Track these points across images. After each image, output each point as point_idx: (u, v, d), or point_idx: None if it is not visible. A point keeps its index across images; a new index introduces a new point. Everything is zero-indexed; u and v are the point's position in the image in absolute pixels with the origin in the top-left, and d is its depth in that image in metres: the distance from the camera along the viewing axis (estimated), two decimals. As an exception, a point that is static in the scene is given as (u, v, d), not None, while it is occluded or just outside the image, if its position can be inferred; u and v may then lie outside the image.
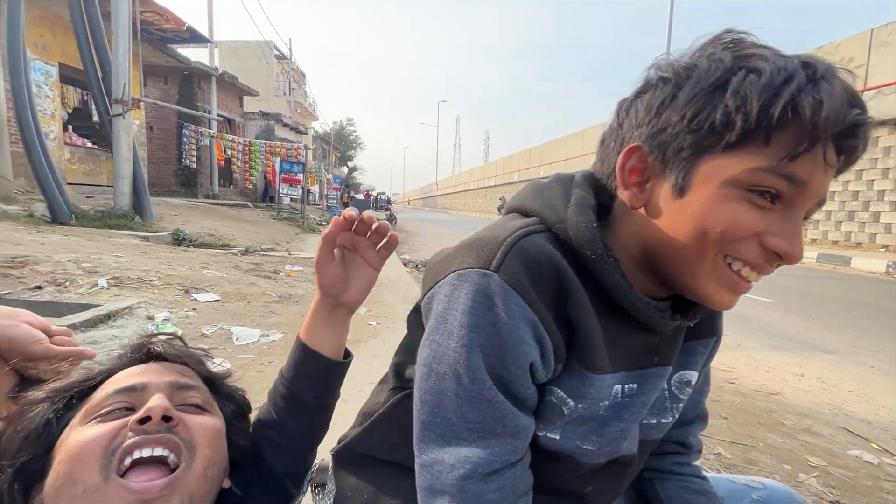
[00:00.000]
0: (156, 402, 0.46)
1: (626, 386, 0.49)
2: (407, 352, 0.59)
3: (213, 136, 12.29)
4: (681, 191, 0.41)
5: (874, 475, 1.78)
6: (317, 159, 23.91)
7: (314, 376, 0.64)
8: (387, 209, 21.43)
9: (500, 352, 0.41)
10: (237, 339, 2.79)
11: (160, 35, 10.82)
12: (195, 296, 3.45)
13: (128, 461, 0.43)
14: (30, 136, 5.51)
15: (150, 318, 2.83)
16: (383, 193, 29.54)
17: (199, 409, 0.53)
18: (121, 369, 0.54)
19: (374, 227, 0.62)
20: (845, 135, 0.37)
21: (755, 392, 2.59)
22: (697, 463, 0.67)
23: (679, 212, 0.42)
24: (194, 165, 12.37)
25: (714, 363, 2.81)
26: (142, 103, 8.21)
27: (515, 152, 31.80)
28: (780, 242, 0.39)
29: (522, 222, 0.47)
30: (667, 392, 0.56)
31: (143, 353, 0.56)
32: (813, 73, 0.36)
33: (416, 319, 0.55)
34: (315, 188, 19.55)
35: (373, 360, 2.71)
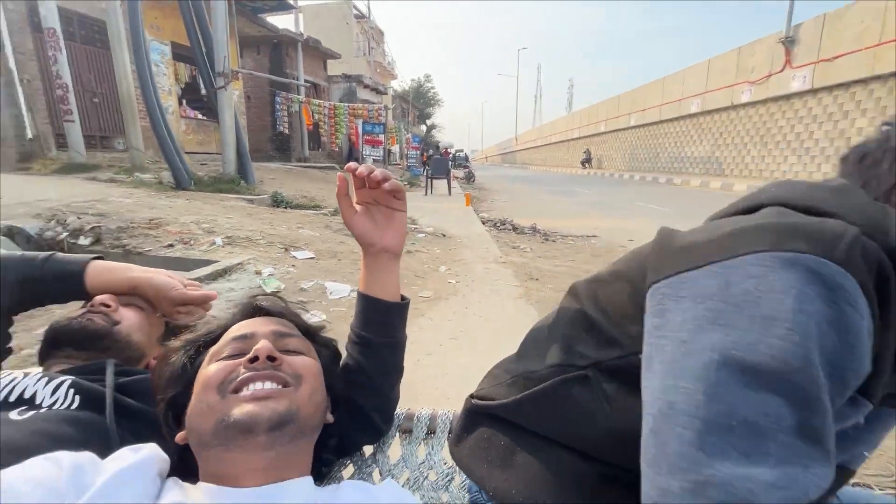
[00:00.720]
0: (261, 345, 0.55)
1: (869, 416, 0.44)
2: (582, 326, 0.51)
3: (301, 102, 12.97)
4: None
5: None
6: (396, 119, 24.28)
7: (377, 320, 0.70)
8: (465, 167, 21.31)
9: (840, 354, 0.34)
10: (330, 293, 3.05)
11: (250, 5, 11.42)
12: (293, 253, 3.80)
13: (248, 389, 0.52)
14: (154, 112, 6.26)
15: (258, 273, 3.19)
16: (461, 151, 29.30)
17: (298, 352, 0.61)
18: (234, 324, 0.63)
19: (371, 176, 0.65)
20: None
21: None
22: None
23: None
24: (286, 131, 13.25)
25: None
26: (239, 74, 8.87)
27: (602, 100, 29.38)
28: None
29: (837, 220, 0.40)
30: None
31: (252, 309, 0.66)
32: None
33: (621, 291, 0.48)
34: (395, 148, 20.00)
35: (453, 317, 2.82)
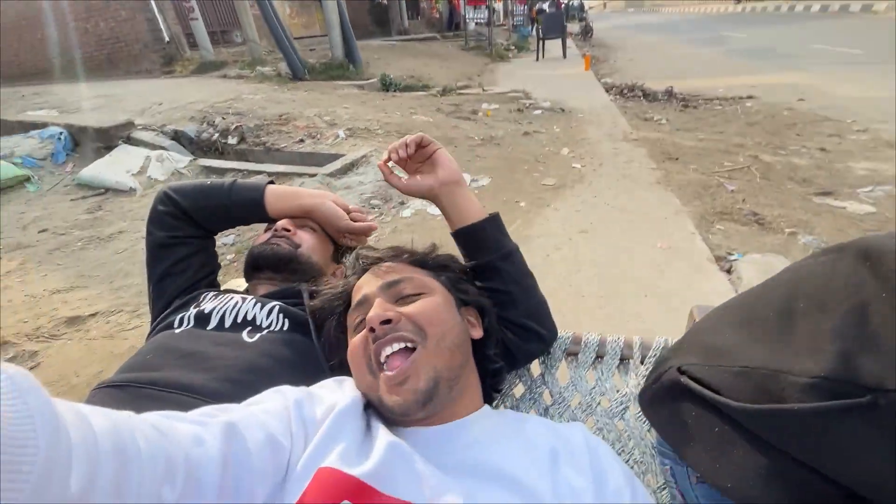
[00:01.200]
0: (372, 314, 0.55)
1: None
2: (874, 326, 0.36)
3: (396, -37, 11.76)
4: None
5: None
6: (499, -33, 20.93)
7: (478, 245, 0.72)
8: (582, 19, 18.24)
9: None
10: (452, 183, 3.05)
11: None
12: (411, 142, 3.80)
13: (383, 358, 0.54)
14: (262, 1, 6.23)
15: (382, 165, 3.29)
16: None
17: (414, 295, 0.60)
18: (353, 283, 0.66)
19: (404, 152, 0.70)
20: None
21: None
22: None
23: None
24: (385, 1, 12.38)
25: None
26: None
27: None
28: None
29: None
30: None
31: (361, 268, 0.67)
32: None
33: None
34: (500, 6, 17.68)
35: (581, 207, 2.66)
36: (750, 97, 4.99)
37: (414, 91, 6.41)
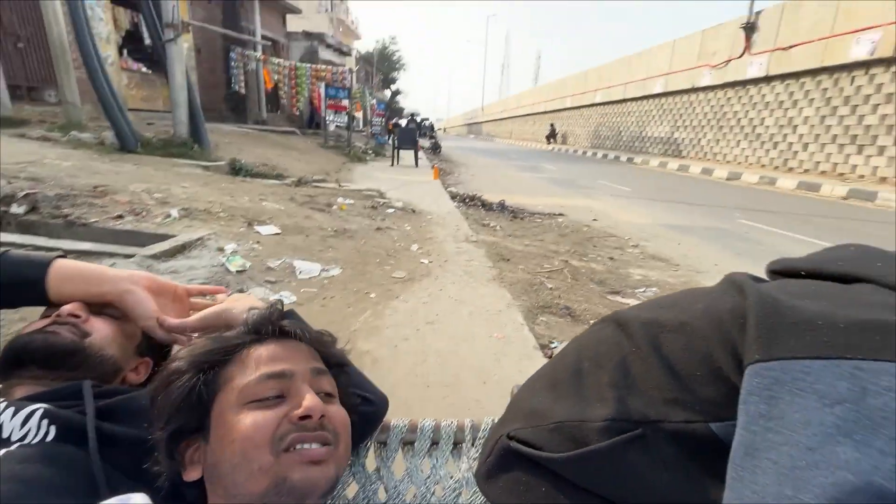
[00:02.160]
0: (312, 400, 0.51)
1: None
2: (638, 374, 0.45)
3: (259, 60, 12.11)
4: None
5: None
6: (360, 83, 23.22)
7: None
8: (432, 137, 20.92)
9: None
10: (300, 272, 2.94)
11: (201, -52, 10.36)
12: (258, 228, 3.62)
13: (297, 447, 0.50)
14: (91, 61, 5.63)
15: (220, 250, 3.02)
16: (427, 119, 28.65)
17: (332, 395, 0.57)
18: (255, 343, 0.56)
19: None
20: None
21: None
22: None
23: None
24: (243, 91, 12.39)
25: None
26: (190, 26, 8.10)
27: (569, 75, 29.37)
28: None
29: None
30: None
31: (276, 331, 0.58)
32: None
33: (691, 349, 0.43)
34: (360, 115, 19.24)
35: (428, 299, 2.80)
36: (560, 214, 6.19)
37: (267, 179, 6.28)
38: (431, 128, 28.24)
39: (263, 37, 13.77)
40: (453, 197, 7.00)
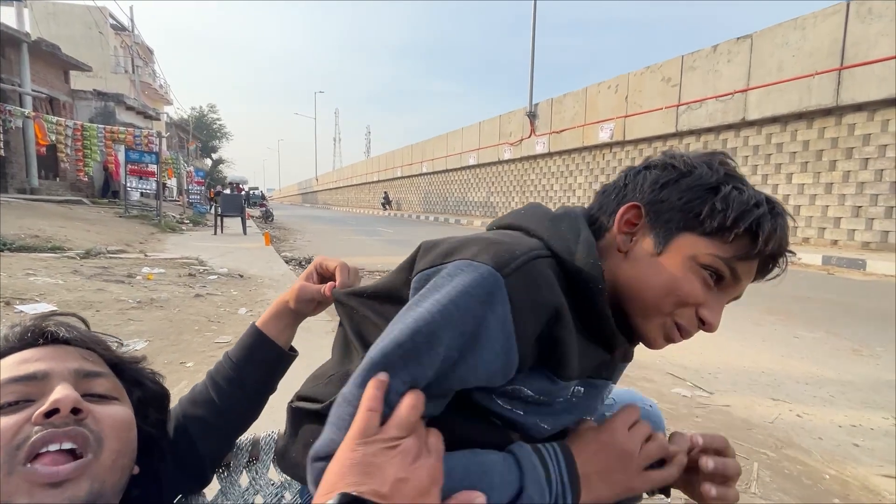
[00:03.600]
0: (63, 392, 0.43)
1: (578, 388, 0.58)
2: (370, 334, 0.59)
3: (28, 117, 9.99)
4: (659, 251, 0.53)
5: (689, 405, 2.28)
6: (172, 149, 20.95)
7: (264, 363, 0.69)
8: (262, 206, 19.86)
9: (464, 341, 0.44)
10: (86, 352, 2.39)
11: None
12: (21, 307, 2.84)
13: (41, 450, 0.41)
14: None
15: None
16: (256, 189, 27.25)
17: (107, 398, 0.50)
18: (9, 353, 0.48)
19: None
20: (775, 258, 0.53)
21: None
22: None
23: (652, 266, 0.53)
24: (2, 153, 9.93)
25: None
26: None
27: (398, 148, 31.95)
28: (710, 315, 0.52)
29: (534, 243, 0.53)
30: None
31: (39, 336, 0.50)
32: (772, 208, 0.51)
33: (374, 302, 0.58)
34: (173, 182, 17.20)
35: (259, 360, 2.56)
36: (398, 269, 6.44)
37: (37, 252, 5.03)
38: (262, 196, 26.89)
39: (37, 90, 11.53)
40: (288, 261, 6.69)
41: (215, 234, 10.14)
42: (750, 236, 0.51)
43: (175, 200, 17.86)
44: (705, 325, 0.53)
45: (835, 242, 8.82)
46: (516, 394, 0.52)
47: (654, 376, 2.66)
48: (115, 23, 23.79)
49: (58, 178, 13.20)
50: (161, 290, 3.84)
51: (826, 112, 8.77)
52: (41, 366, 0.46)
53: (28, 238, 5.51)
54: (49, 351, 0.49)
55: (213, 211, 11.98)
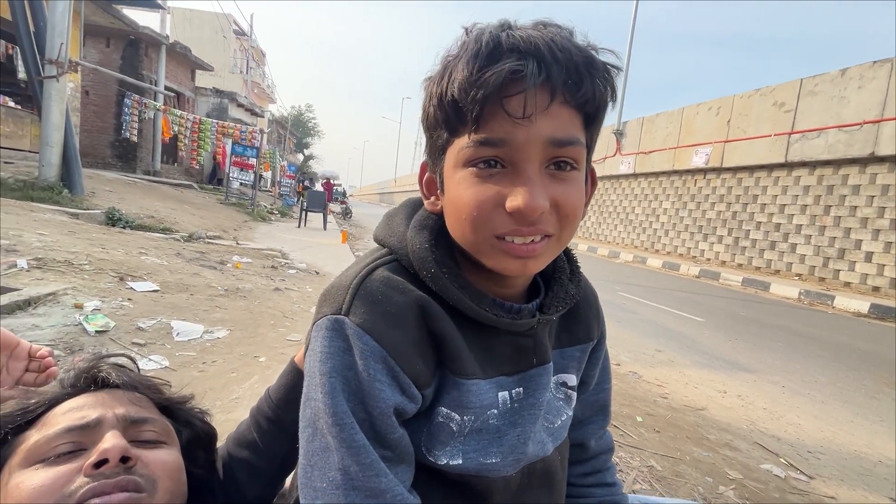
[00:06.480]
0: (111, 441, 0.43)
1: (514, 391, 0.50)
2: None
3: (158, 110, 11.45)
4: (443, 187, 0.47)
5: (781, 488, 1.98)
6: (272, 144, 22.93)
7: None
8: (343, 202, 20.97)
9: (360, 395, 0.42)
10: (178, 334, 2.62)
11: (105, -8, 9.96)
12: (131, 284, 3.21)
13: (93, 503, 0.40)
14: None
15: (79, 306, 2.60)
16: (339, 185, 28.85)
17: (156, 443, 0.50)
18: (64, 399, 0.49)
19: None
20: (508, 85, 0.39)
21: (684, 407, 2.79)
22: (617, 471, 0.69)
23: (448, 205, 0.47)
24: (135, 139, 11.46)
25: (650, 378, 2.92)
26: (79, 66, 7.49)
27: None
28: (513, 201, 0.41)
29: (372, 257, 0.50)
30: (552, 393, 0.56)
31: (91, 382, 0.51)
32: (476, 51, 0.41)
33: None
34: (268, 174, 18.75)
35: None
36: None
37: (151, 231, 5.69)
38: (344, 193, 28.40)
39: (167, 88, 13.17)
40: (360, 261, 6.94)
41: (299, 226, 10.85)
42: (458, 100, 0.41)
43: (268, 191, 19.45)
44: (520, 212, 0.41)
45: (984, 309, 7.36)
46: (443, 425, 0.47)
47: (740, 444, 2.35)
48: (236, 28, 26.58)
49: (175, 164, 14.97)
50: (246, 281, 4.15)
51: None
52: (93, 413, 0.47)
53: (146, 218, 6.27)
54: (100, 397, 0.50)
55: (299, 204, 12.85)
